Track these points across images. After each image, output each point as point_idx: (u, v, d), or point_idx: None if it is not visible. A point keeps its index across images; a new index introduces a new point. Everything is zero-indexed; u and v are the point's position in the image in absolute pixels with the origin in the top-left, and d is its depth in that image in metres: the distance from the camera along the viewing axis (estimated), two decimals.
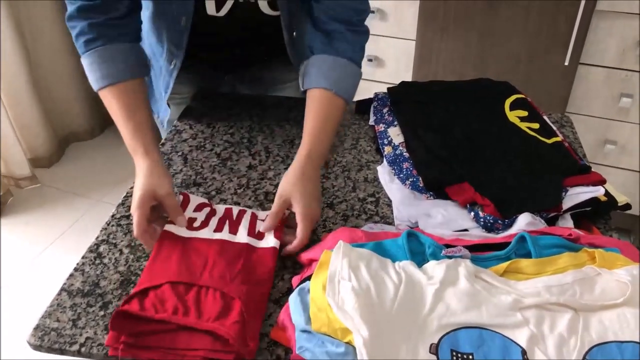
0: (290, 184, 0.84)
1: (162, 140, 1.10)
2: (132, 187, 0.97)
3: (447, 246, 0.73)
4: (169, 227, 0.81)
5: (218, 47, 1.09)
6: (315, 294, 0.67)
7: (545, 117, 1.02)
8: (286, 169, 1.00)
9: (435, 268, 0.68)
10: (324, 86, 0.93)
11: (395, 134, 1.01)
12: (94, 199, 2.30)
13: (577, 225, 0.81)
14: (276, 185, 0.96)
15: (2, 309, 1.83)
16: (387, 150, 0.99)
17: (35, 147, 2.42)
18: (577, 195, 0.83)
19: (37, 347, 0.71)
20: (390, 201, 0.92)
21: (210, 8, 0.96)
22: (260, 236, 0.81)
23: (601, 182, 0.85)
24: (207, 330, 0.66)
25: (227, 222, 0.83)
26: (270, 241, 0.80)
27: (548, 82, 1.75)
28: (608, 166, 1.85)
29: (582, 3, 1.57)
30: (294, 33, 1.03)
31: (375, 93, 1.13)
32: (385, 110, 1.08)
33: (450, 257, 0.70)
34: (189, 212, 0.85)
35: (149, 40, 1.08)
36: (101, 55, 0.91)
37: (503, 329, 0.63)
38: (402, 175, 0.93)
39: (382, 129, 1.04)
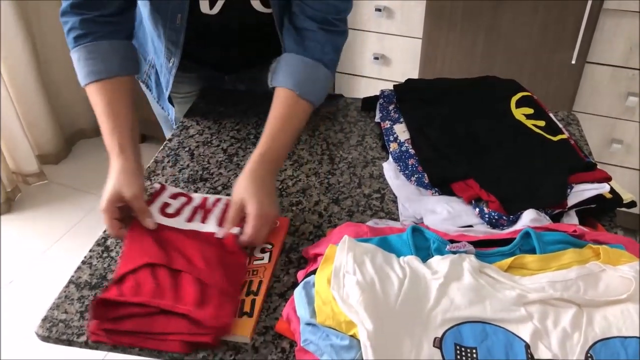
0: (242, 188, 0.82)
1: (169, 136, 1.11)
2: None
3: (452, 242, 0.73)
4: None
5: (214, 45, 1.09)
6: (320, 287, 0.68)
7: (551, 115, 1.02)
8: (292, 164, 1.01)
9: (440, 263, 0.69)
10: (289, 86, 0.92)
11: (401, 131, 1.01)
12: (101, 196, 2.32)
13: (582, 222, 0.82)
14: (282, 181, 0.97)
15: (11, 302, 1.85)
16: (393, 146, 0.99)
17: (43, 143, 2.43)
18: (582, 192, 0.83)
19: (45, 338, 0.72)
20: (396, 197, 0.92)
21: (204, 6, 0.97)
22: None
23: (606, 179, 0.85)
24: (184, 314, 0.68)
25: (200, 211, 0.85)
26: (233, 229, 0.80)
27: (555, 81, 1.75)
28: (614, 165, 1.84)
29: (590, 1, 1.57)
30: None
31: (382, 90, 1.13)
32: (391, 108, 1.08)
33: (454, 253, 0.71)
34: (164, 198, 0.87)
35: (151, 37, 1.09)
36: (90, 51, 0.92)
37: (507, 324, 0.63)
38: (407, 172, 0.93)
39: (388, 125, 1.04)
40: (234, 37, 1.06)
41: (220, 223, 0.83)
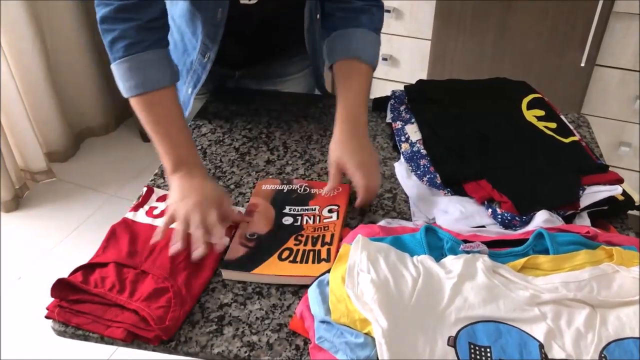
0: (338, 148, 0.89)
1: None
2: (151, 180, 0.99)
3: (465, 242, 0.73)
4: (128, 215, 0.88)
5: (245, 37, 1.10)
6: (334, 285, 0.68)
7: (562, 117, 1.02)
8: (304, 164, 1.02)
9: (454, 262, 0.69)
10: (348, 56, 0.98)
11: (413, 131, 1.02)
12: (108, 194, 2.33)
13: (593, 224, 0.82)
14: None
15: (19, 298, 1.86)
16: (405, 147, 1.00)
17: (51, 141, 2.45)
18: (594, 193, 0.83)
19: (61, 333, 0.73)
20: (407, 197, 0.93)
21: None
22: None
23: (618, 181, 0.85)
24: (136, 310, 0.72)
25: None
26: (220, 241, 0.83)
27: (564, 83, 1.75)
28: (623, 168, 1.84)
29: (600, 4, 1.57)
30: (318, 16, 1.05)
31: (393, 91, 1.14)
32: (402, 108, 1.09)
33: (468, 253, 0.71)
34: (152, 202, 0.91)
35: (180, 36, 1.09)
36: (134, 63, 0.87)
37: (520, 323, 0.63)
38: (419, 172, 0.93)
39: (399, 126, 1.05)
40: (265, 28, 1.08)
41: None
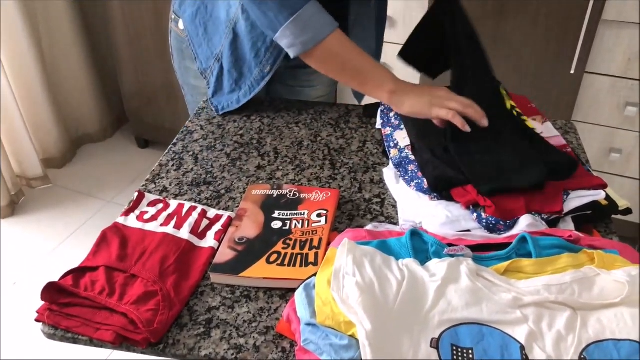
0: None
1: (174, 141, 1.12)
2: (142, 186, 1.00)
3: (450, 245, 0.75)
4: (119, 220, 0.89)
5: None
6: (320, 288, 0.69)
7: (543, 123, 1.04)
8: (294, 169, 1.03)
9: (438, 266, 0.70)
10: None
11: (402, 137, 1.03)
12: (105, 200, 2.34)
13: (578, 229, 0.83)
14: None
15: (15, 303, 1.86)
16: (393, 152, 1.01)
17: (48, 147, 2.46)
18: (578, 198, 0.84)
19: (51, 336, 0.74)
20: (395, 202, 0.94)
21: None
22: (201, 235, 0.87)
23: (602, 186, 0.87)
24: (125, 313, 0.73)
25: (175, 217, 0.90)
26: (209, 241, 0.86)
27: (555, 90, 1.77)
28: (614, 174, 1.86)
29: (589, 12, 1.59)
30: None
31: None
32: (392, 115, 1.10)
33: (452, 256, 0.72)
34: (143, 207, 0.92)
35: (243, 21, 1.08)
36: (317, 7, 0.94)
37: (503, 326, 0.64)
38: (407, 177, 0.95)
39: (389, 132, 1.06)
40: None
41: (193, 231, 0.87)
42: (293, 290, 0.74)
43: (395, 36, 1.88)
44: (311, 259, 0.81)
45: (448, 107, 0.91)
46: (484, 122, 0.91)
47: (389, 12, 1.84)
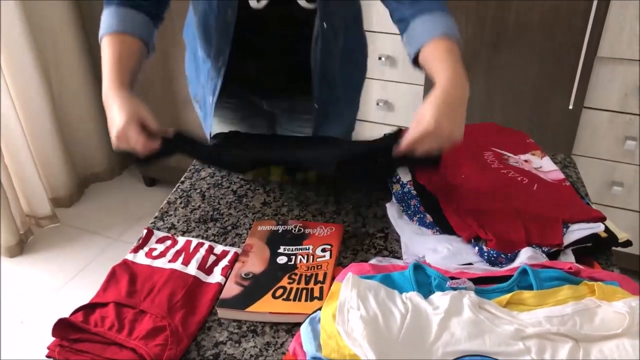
0: (425, 106, 0.85)
1: (182, 179, 1.15)
2: (151, 223, 1.02)
3: (452, 278, 0.76)
4: (128, 256, 0.92)
5: (257, 53, 1.14)
6: (325, 322, 0.70)
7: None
8: (299, 205, 1.05)
9: (441, 299, 0.72)
10: (432, 36, 0.96)
11: (403, 173, 1.06)
12: (112, 238, 2.36)
13: (578, 261, 0.84)
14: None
15: (23, 341, 1.86)
16: (396, 188, 1.03)
17: (56, 187, 2.50)
18: (578, 231, 0.86)
19: None
20: (399, 236, 0.96)
21: (253, 1, 1.02)
22: (208, 271, 0.89)
23: (601, 219, 0.88)
24: (134, 348, 0.74)
25: (183, 254, 0.92)
26: (216, 277, 0.88)
27: (554, 124, 1.80)
28: (616, 208, 1.87)
29: (584, 50, 1.64)
30: (324, 24, 1.05)
31: (384, 134, 1.18)
32: None
33: (455, 289, 0.74)
34: (151, 244, 0.94)
35: (200, 54, 1.17)
36: (117, 10, 1.00)
37: (505, 357, 0.65)
38: (409, 212, 0.97)
39: None
40: (275, 39, 1.11)
41: (200, 267, 0.89)
42: (299, 324, 0.75)
43: (396, 75, 1.94)
44: (316, 293, 0.82)
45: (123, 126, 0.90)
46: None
47: (389, 52, 1.90)
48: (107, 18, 1.01)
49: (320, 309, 0.74)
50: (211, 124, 1.20)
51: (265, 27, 1.08)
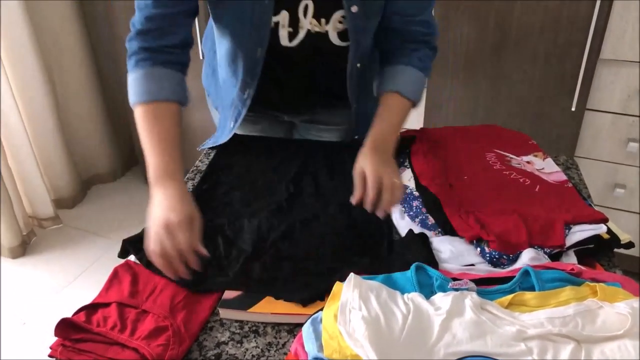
0: (361, 159, 0.94)
1: (184, 179, 1.15)
2: None
3: (454, 279, 0.76)
4: (130, 257, 0.92)
5: (286, 78, 1.15)
6: (327, 322, 0.71)
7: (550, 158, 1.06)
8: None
9: (443, 299, 0.72)
10: (390, 89, 1.05)
11: (406, 176, 1.06)
12: (114, 239, 2.36)
13: (580, 262, 0.84)
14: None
15: (25, 342, 1.86)
16: None
17: (59, 188, 2.50)
18: (580, 232, 0.86)
19: None
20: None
21: (284, 39, 1.02)
22: None
23: (603, 220, 0.88)
24: (136, 348, 0.74)
25: None
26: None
27: (557, 126, 1.80)
28: (618, 210, 1.87)
29: (586, 52, 1.64)
30: (358, 65, 1.08)
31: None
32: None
33: (457, 290, 0.74)
34: None
35: (222, 76, 1.16)
36: (145, 73, 0.96)
37: (507, 358, 0.65)
38: (412, 213, 0.97)
39: None
40: (305, 70, 1.12)
41: None
42: (301, 325, 0.75)
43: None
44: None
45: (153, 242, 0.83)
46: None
47: None
48: (141, 82, 0.96)
49: (322, 309, 0.74)
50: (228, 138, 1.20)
51: (296, 64, 1.09)
